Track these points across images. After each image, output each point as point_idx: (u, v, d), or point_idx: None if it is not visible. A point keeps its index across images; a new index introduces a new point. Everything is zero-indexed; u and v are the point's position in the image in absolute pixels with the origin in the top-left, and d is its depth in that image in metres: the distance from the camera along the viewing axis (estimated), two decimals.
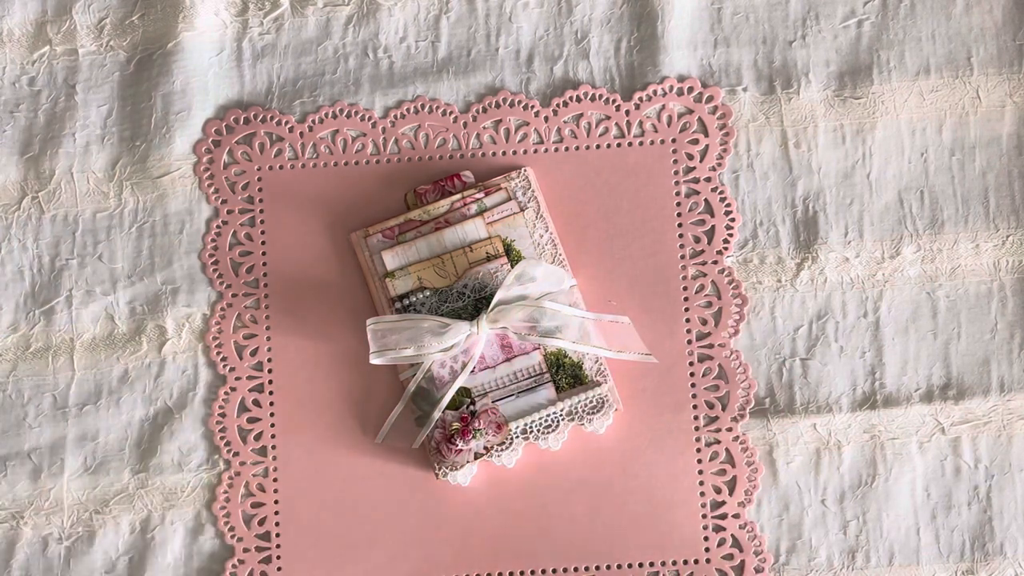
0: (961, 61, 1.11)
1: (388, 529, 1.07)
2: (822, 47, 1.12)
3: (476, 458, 1.04)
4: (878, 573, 1.07)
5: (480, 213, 1.07)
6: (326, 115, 1.12)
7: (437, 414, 1.05)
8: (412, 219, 1.08)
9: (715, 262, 1.09)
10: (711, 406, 1.08)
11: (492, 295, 1.05)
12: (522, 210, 1.08)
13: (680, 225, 1.09)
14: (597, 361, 1.06)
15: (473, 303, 1.06)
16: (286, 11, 1.13)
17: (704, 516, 1.07)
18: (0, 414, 1.09)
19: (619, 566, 1.07)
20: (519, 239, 1.07)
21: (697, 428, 1.08)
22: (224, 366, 1.09)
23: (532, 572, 1.07)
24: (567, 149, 1.11)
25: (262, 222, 1.10)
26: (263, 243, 1.10)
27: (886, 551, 1.07)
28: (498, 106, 1.12)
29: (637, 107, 1.11)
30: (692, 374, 1.08)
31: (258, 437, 1.08)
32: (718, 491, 1.07)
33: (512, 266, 1.06)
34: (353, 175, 1.11)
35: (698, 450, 1.07)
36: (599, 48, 1.12)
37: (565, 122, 1.11)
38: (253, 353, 1.09)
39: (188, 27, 1.12)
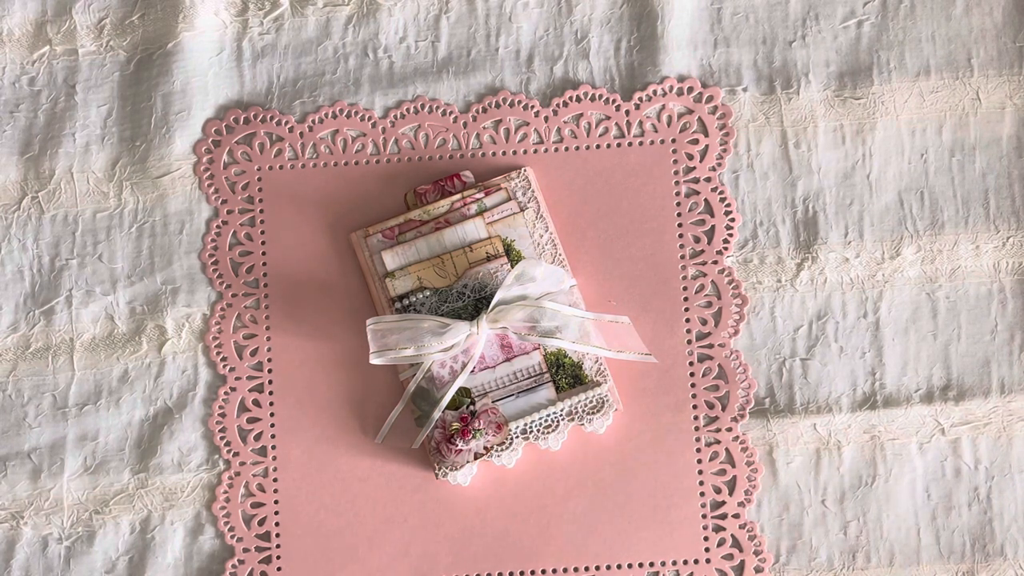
0: (961, 62, 1.12)
1: (388, 529, 1.07)
2: (822, 47, 1.12)
3: (476, 458, 1.04)
4: (878, 574, 1.07)
5: (480, 213, 1.07)
6: (326, 115, 1.12)
7: (437, 414, 1.05)
8: (412, 219, 1.08)
9: (715, 262, 1.09)
10: (711, 406, 1.08)
11: (492, 295, 1.05)
12: (522, 210, 1.08)
13: (680, 225, 1.09)
14: (597, 361, 1.06)
15: (473, 303, 1.06)
16: (286, 11, 1.13)
17: (704, 516, 1.07)
18: (0, 414, 1.09)
19: (619, 566, 1.07)
20: (519, 239, 1.07)
21: (697, 428, 1.08)
22: (224, 366, 1.09)
23: (532, 572, 1.07)
24: (567, 149, 1.11)
25: (262, 222, 1.10)
26: (263, 243, 1.10)
27: (886, 551, 1.07)
28: (498, 106, 1.12)
29: (637, 107, 1.11)
30: (692, 374, 1.08)
31: (258, 437, 1.08)
32: (718, 491, 1.07)
33: (512, 266, 1.06)
34: (353, 175, 1.11)
35: (698, 450, 1.07)
36: (599, 48, 1.13)
37: (565, 122, 1.11)
38: (253, 353, 1.09)
39: (188, 27, 1.12)
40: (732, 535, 1.07)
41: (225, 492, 1.08)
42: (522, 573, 1.07)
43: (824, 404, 1.08)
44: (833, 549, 1.07)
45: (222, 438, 1.08)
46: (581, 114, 1.11)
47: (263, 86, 1.13)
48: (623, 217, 1.09)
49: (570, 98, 1.12)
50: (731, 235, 1.10)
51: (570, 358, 1.06)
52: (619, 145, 1.11)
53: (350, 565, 1.07)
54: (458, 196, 1.08)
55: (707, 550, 1.07)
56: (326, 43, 1.13)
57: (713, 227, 1.10)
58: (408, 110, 1.12)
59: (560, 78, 1.12)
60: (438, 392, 1.05)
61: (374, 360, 1.03)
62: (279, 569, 1.07)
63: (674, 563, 1.07)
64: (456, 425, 1.04)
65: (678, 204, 1.10)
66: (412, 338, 1.03)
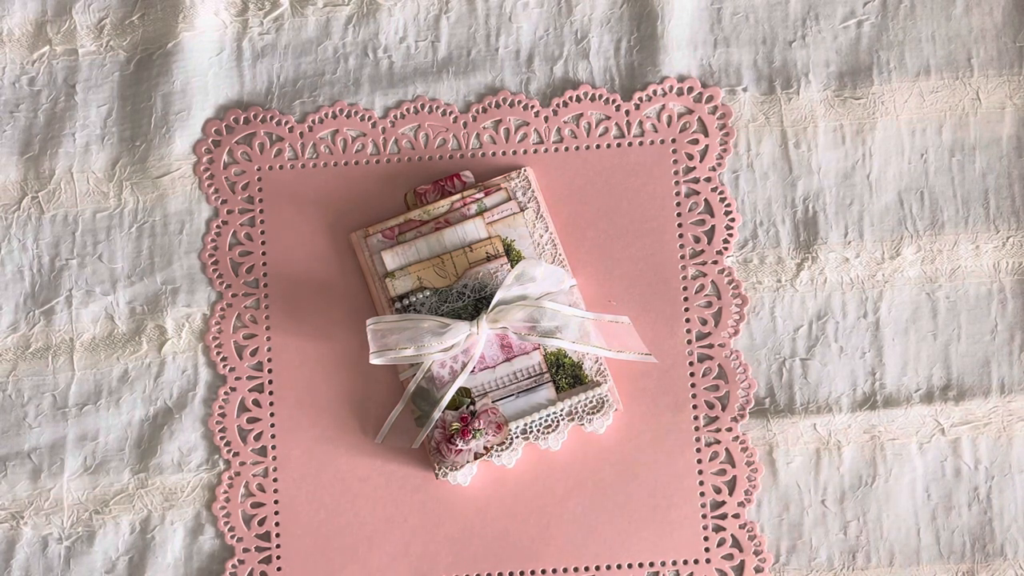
0: (961, 62, 1.12)
1: (388, 529, 1.07)
2: (822, 47, 1.12)
3: (476, 458, 1.04)
4: (878, 574, 1.07)
5: (480, 213, 1.07)
6: (326, 115, 1.12)
7: (437, 414, 1.05)
8: (412, 219, 1.08)
9: (715, 262, 1.09)
10: (711, 406, 1.08)
11: (492, 295, 1.05)
12: (522, 210, 1.08)
13: (680, 225, 1.09)
14: (597, 361, 1.06)
15: (473, 303, 1.06)
16: (286, 11, 1.13)
17: (704, 516, 1.07)
18: (0, 414, 1.09)
19: (619, 566, 1.07)
20: (519, 239, 1.07)
21: (697, 428, 1.08)
22: (224, 366, 1.09)
23: (532, 572, 1.07)
24: (567, 149, 1.11)
25: (262, 222, 1.10)
26: (263, 243, 1.10)
27: (886, 552, 1.07)
28: (498, 106, 1.12)
29: (637, 107, 1.11)
30: (692, 374, 1.08)
31: (258, 437, 1.08)
32: (718, 491, 1.07)
33: (512, 266, 1.06)
34: (353, 175, 1.11)
35: (698, 450, 1.07)
36: (599, 48, 1.13)
37: (565, 122, 1.11)
38: (253, 353, 1.09)
39: (188, 27, 1.12)
40: (732, 535, 1.07)
41: (225, 492, 1.08)
42: (522, 573, 1.07)
43: (824, 404, 1.08)
44: (833, 549, 1.07)
45: (222, 438, 1.08)
46: (581, 114, 1.11)
47: (263, 86, 1.13)
48: (623, 217, 1.09)
49: (570, 98, 1.12)
50: (731, 235, 1.10)
51: (570, 358, 1.06)
52: (619, 145, 1.11)
53: (350, 565, 1.07)
54: (458, 196, 1.08)
55: (707, 550, 1.07)
56: (326, 43, 1.13)
57: (713, 227, 1.10)
58: (408, 110, 1.12)
59: (560, 78, 1.12)
60: (438, 392, 1.05)
61: (374, 360, 1.03)
62: (279, 569, 1.07)
63: (674, 563, 1.07)
64: (456, 425, 1.04)
65: (678, 204, 1.10)
66: (412, 338, 1.03)
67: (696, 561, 1.07)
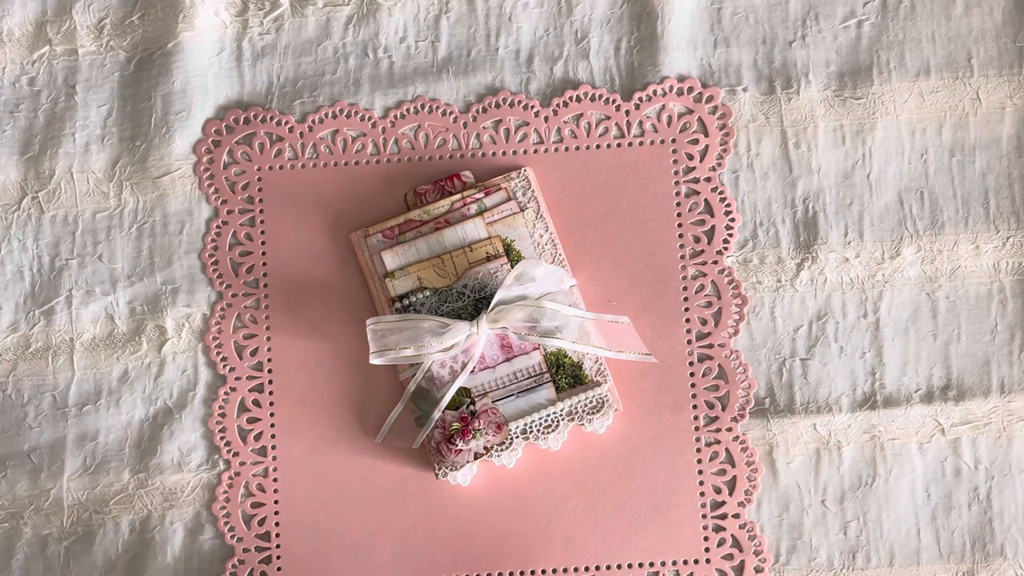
0: (961, 62, 1.12)
1: (388, 529, 1.07)
2: (822, 47, 1.12)
3: (476, 458, 1.04)
4: (878, 574, 1.07)
5: (480, 213, 1.07)
6: (326, 115, 1.12)
7: (437, 414, 1.05)
8: (412, 219, 1.08)
9: (715, 262, 1.09)
10: (711, 406, 1.08)
11: (492, 295, 1.05)
12: (522, 210, 1.08)
13: (680, 225, 1.09)
14: (597, 361, 1.06)
15: (473, 303, 1.06)
16: (286, 11, 1.13)
17: (704, 516, 1.07)
18: (0, 414, 1.09)
19: (619, 566, 1.07)
20: (519, 239, 1.07)
21: (697, 428, 1.08)
22: (224, 366, 1.09)
23: (532, 572, 1.07)
24: (567, 149, 1.11)
25: (262, 222, 1.10)
26: (263, 243, 1.10)
27: (886, 552, 1.07)
28: (498, 106, 1.12)
29: (637, 107, 1.11)
30: (692, 374, 1.08)
31: (258, 437, 1.08)
32: (718, 491, 1.07)
33: (512, 266, 1.06)
34: (353, 175, 1.11)
35: (698, 450, 1.07)
36: (599, 48, 1.13)
37: (565, 122, 1.11)
38: (253, 353, 1.09)
39: (188, 27, 1.12)
40: (732, 535, 1.07)
41: (225, 492, 1.08)
42: (522, 573, 1.07)
43: (824, 404, 1.08)
44: (833, 549, 1.07)
45: (222, 438, 1.08)
46: (581, 114, 1.11)
47: (263, 86, 1.13)
48: (623, 217, 1.09)
49: (570, 98, 1.12)
50: (731, 235, 1.10)
51: (570, 358, 1.06)
52: (619, 145, 1.11)
53: (350, 565, 1.07)
54: (458, 196, 1.08)
55: (707, 550, 1.07)
56: (326, 43, 1.13)
57: (713, 227, 1.10)
58: (408, 110, 1.12)
59: (560, 78, 1.12)
60: (438, 392, 1.05)
61: (374, 360, 1.03)
62: (279, 569, 1.07)
63: (674, 563, 1.07)
64: (456, 425, 1.04)
65: (678, 204, 1.10)
66: (412, 338, 1.03)
67: (696, 561, 1.07)
